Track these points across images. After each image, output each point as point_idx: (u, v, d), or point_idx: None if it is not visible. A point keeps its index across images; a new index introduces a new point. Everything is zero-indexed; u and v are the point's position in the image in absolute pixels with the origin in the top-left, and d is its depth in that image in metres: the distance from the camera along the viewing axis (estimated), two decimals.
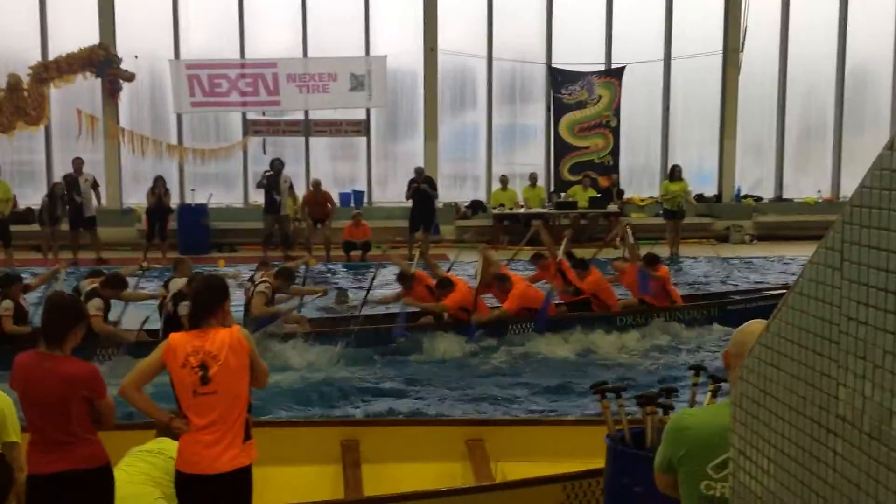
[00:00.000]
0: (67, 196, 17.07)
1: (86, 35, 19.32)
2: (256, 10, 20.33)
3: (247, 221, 19.43)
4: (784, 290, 9.90)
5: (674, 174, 18.48)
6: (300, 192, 18.70)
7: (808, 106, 21.93)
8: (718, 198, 21.28)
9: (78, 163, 17.51)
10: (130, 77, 19.63)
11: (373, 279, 11.91)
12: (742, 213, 20.82)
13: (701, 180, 20.52)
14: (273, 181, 17.75)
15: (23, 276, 10.74)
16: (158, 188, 17.72)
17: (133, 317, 10.22)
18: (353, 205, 19.67)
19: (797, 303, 1.97)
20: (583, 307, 11.40)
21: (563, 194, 20.18)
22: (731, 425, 2.29)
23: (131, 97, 20.16)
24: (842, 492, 1.80)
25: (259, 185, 18.24)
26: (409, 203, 18.35)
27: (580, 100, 20.73)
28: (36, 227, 17.73)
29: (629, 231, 12.61)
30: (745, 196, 21.46)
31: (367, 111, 20.53)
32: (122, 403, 4.79)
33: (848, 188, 21.08)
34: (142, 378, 4.58)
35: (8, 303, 9.56)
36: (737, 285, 14.68)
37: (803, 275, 1.95)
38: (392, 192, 20.58)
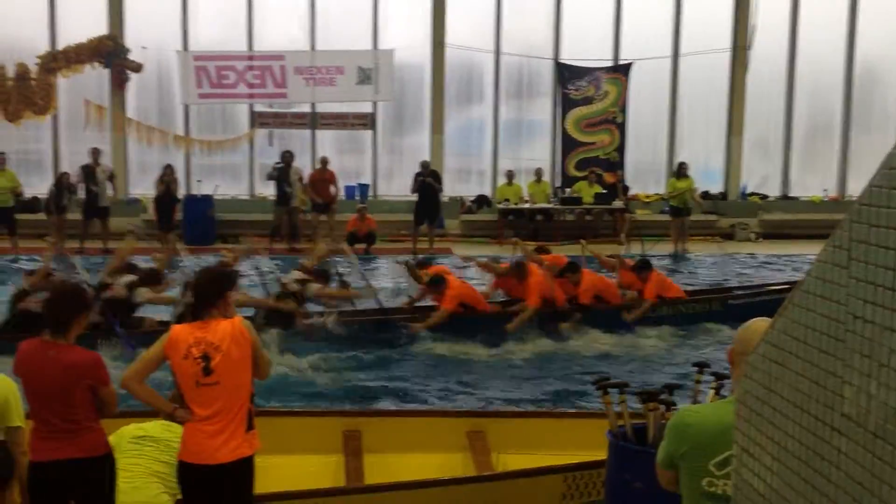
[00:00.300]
0: (84, 185, 17.13)
1: (94, 25, 19.36)
2: (265, 3, 20.33)
3: (252, 213, 19.47)
4: (787, 286, 9.90)
5: (680, 171, 18.45)
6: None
7: (815, 104, 21.87)
8: (724, 195, 21.25)
9: (95, 153, 17.61)
10: (138, 68, 19.65)
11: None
12: (748, 210, 20.79)
13: (707, 177, 20.48)
14: (283, 173, 17.81)
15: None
16: (167, 176, 17.77)
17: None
18: (358, 198, 19.69)
19: (803, 300, 1.97)
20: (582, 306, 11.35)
21: (568, 190, 20.18)
22: (735, 422, 2.29)
23: (139, 88, 20.18)
24: (846, 490, 1.79)
25: (269, 177, 18.28)
26: (415, 197, 18.37)
27: (587, 95, 20.71)
28: (42, 215, 17.79)
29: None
30: (751, 194, 21.43)
31: (374, 105, 20.53)
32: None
33: (854, 187, 21.06)
34: (144, 369, 4.58)
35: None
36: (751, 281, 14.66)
37: (810, 272, 1.95)
38: (397, 186, 20.58)
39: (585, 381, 8.71)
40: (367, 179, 20.74)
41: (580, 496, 5.58)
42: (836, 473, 1.83)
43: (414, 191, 18.31)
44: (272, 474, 5.61)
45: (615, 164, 20.80)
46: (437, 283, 10.74)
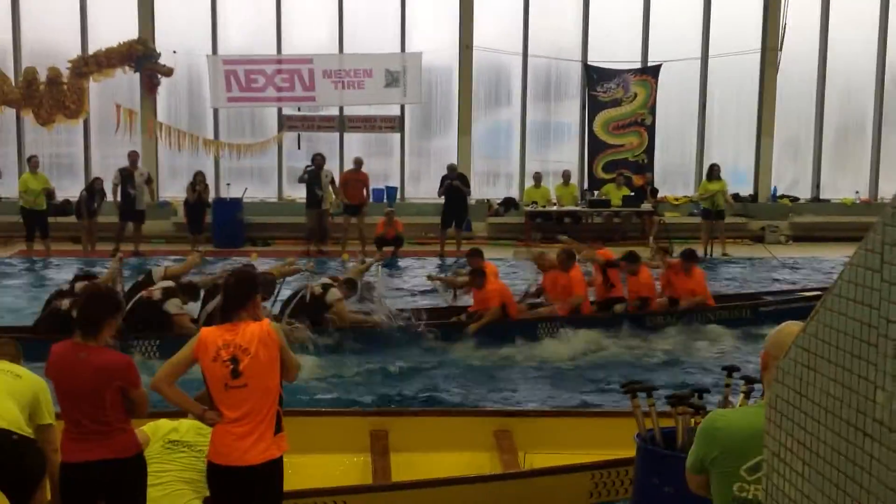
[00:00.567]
0: (122, 188, 17.32)
1: (125, 30, 19.51)
2: (293, 7, 20.42)
3: (281, 216, 19.57)
4: (818, 292, 9.83)
5: (712, 173, 18.28)
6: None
7: (846, 105, 21.66)
8: (754, 197, 21.08)
9: (133, 156, 17.81)
10: (169, 72, 19.80)
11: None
12: (778, 213, 20.61)
13: (737, 180, 20.32)
14: (314, 176, 17.88)
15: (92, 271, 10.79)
16: (199, 184, 17.93)
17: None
18: (385, 201, 19.73)
19: (835, 304, 1.95)
20: (615, 305, 11.35)
21: (596, 192, 20.10)
22: (765, 427, 2.27)
23: (169, 92, 20.34)
24: (878, 496, 1.77)
25: (300, 180, 18.35)
26: (442, 199, 18.38)
27: (615, 97, 20.62)
28: (73, 218, 17.99)
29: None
30: (782, 196, 21.25)
31: (402, 107, 20.57)
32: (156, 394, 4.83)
33: (886, 189, 20.82)
34: (174, 372, 4.62)
35: None
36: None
37: (842, 276, 1.93)
38: (425, 189, 20.61)
39: (613, 383, 8.70)
40: (394, 182, 20.78)
41: (607, 494, 5.57)
42: (868, 479, 1.81)
43: (441, 193, 18.32)
44: (300, 473, 5.64)
45: (644, 166, 20.70)
46: (478, 276, 10.75)
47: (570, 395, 8.82)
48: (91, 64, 19.42)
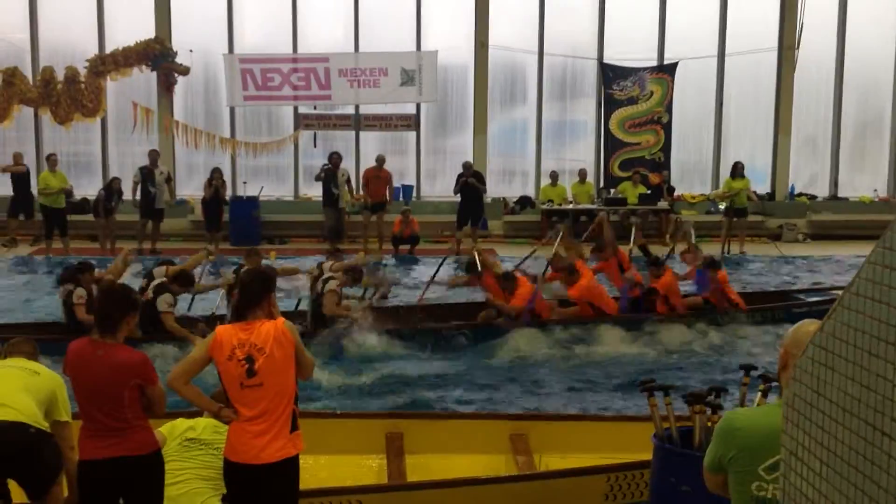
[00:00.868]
0: (142, 187, 17.41)
1: (142, 29, 19.60)
2: (309, 6, 20.47)
3: (297, 214, 19.64)
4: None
5: (736, 171, 18.23)
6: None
7: (864, 102, 21.53)
8: (772, 195, 20.98)
9: (154, 155, 17.90)
10: (185, 71, 19.88)
11: (440, 266, 12.00)
12: (796, 211, 20.51)
13: (754, 178, 20.20)
14: (331, 174, 17.94)
15: (93, 263, 10.80)
16: (216, 180, 18.01)
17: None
18: (402, 199, 19.76)
19: (853, 303, 1.94)
20: (640, 305, 11.29)
21: (612, 191, 20.06)
22: (783, 426, 2.26)
23: (186, 90, 20.42)
24: None
25: (317, 178, 18.40)
26: (458, 197, 18.38)
27: (631, 96, 20.57)
28: (90, 217, 18.09)
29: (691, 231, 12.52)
30: (799, 194, 21.14)
31: (417, 106, 20.59)
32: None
33: None
34: (189, 370, 4.63)
35: (81, 291, 9.72)
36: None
37: (860, 275, 1.92)
38: (441, 187, 20.62)
39: (630, 383, 8.66)
40: (410, 180, 20.80)
41: (622, 497, 5.54)
42: (886, 479, 1.80)
43: (457, 192, 18.33)
44: (316, 474, 5.67)
45: (660, 164, 20.64)
46: (510, 280, 10.74)
47: (587, 397, 8.79)
48: (108, 63, 19.52)
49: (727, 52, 20.86)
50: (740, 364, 5.34)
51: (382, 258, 11.92)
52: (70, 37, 20.17)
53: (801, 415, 2.16)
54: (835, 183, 21.56)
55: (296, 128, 20.48)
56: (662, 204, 19.45)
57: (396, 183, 20.17)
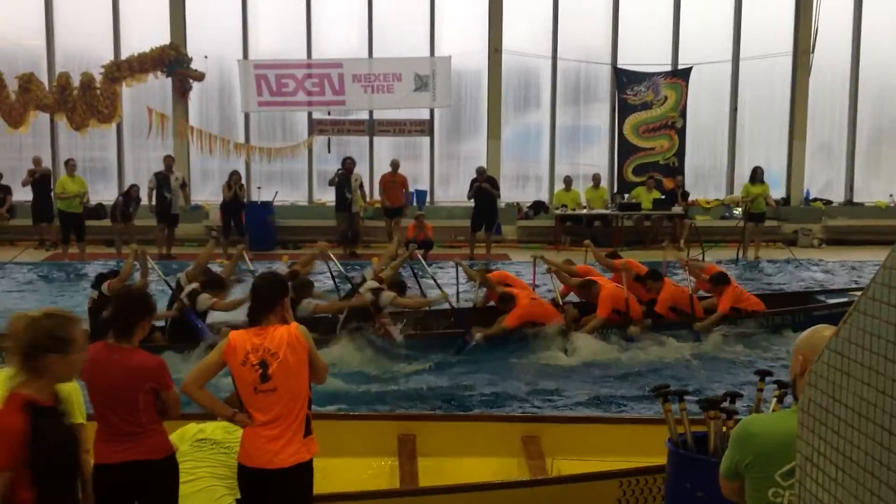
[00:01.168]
0: (157, 192, 17.50)
1: (157, 35, 19.72)
2: (323, 12, 20.53)
3: (311, 219, 19.69)
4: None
5: (755, 176, 18.18)
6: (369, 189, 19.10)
7: (879, 107, 21.43)
8: (787, 201, 20.91)
9: (169, 160, 17.96)
10: (200, 77, 19.97)
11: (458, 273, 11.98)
12: (811, 216, 20.43)
13: (769, 183, 20.18)
14: (344, 180, 18.00)
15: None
16: (234, 183, 18.07)
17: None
18: (415, 204, 19.78)
19: (869, 308, 1.93)
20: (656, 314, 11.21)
21: (626, 196, 20.02)
22: (798, 432, 2.25)
23: (201, 96, 20.52)
24: None
25: (331, 183, 18.47)
26: (472, 202, 18.39)
27: (645, 101, 20.55)
28: (107, 221, 18.19)
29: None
30: (815, 199, 21.06)
31: (431, 111, 20.61)
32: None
33: None
34: (203, 376, 4.64)
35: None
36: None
37: (875, 279, 1.91)
38: (454, 192, 20.63)
39: (645, 388, 8.64)
40: (424, 185, 20.82)
41: (636, 502, 5.52)
42: None
43: (470, 197, 18.34)
44: (328, 476, 5.66)
45: (674, 169, 20.59)
46: (507, 301, 10.73)
47: (601, 401, 8.77)
48: (124, 69, 19.63)
49: (741, 56, 20.81)
50: (755, 370, 5.32)
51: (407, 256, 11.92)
52: (86, 43, 20.29)
53: (816, 420, 2.15)
54: (850, 188, 21.46)
55: (310, 133, 20.54)
56: (677, 209, 19.40)
57: (410, 188, 20.21)
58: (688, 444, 4.66)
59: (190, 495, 4.90)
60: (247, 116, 20.69)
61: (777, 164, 21.18)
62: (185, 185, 18.31)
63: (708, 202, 20.88)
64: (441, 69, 19.94)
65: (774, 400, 4.60)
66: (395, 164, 18.83)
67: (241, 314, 8.96)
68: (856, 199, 21.32)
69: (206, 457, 5.15)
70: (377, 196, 19.70)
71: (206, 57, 19.94)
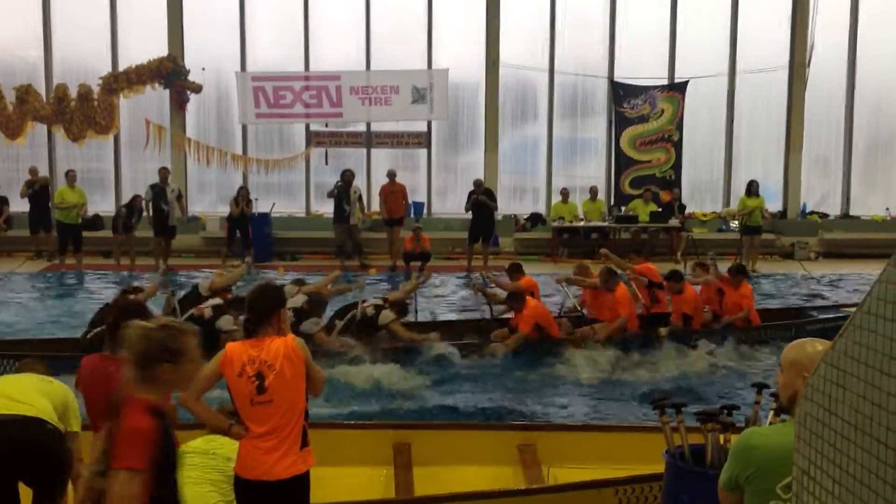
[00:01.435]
0: (154, 204, 17.48)
1: (155, 47, 19.74)
2: (321, 24, 20.57)
3: (309, 231, 19.70)
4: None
5: (751, 189, 18.26)
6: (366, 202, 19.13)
7: (876, 120, 21.47)
8: (783, 214, 20.94)
9: (164, 172, 17.94)
10: (198, 88, 20.00)
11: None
12: (807, 229, 20.45)
13: (765, 196, 20.24)
14: (343, 192, 18.03)
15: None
16: (242, 199, 18.10)
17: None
18: (413, 216, 19.79)
19: (865, 321, 1.93)
20: (658, 322, 11.25)
21: (623, 208, 20.05)
22: (795, 444, 2.26)
23: (198, 108, 20.53)
24: None
25: (330, 195, 18.48)
26: (469, 214, 18.41)
27: (642, 114, 20.60)
28: (103, 233, 18.18)
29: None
30: (811, 212, 21.09)
31: (429, 123, 20.64)
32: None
33: None
34: (200, 388, 4.62)
35: None
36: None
37: (871, 293, 1.92)
38: (451, 204, 20.65)
39: (642, 398, 8.63)
40: (421, 197, 20.84)
41: None
42: None
43: (468, 208, 18.36)
44: (323, 485, 5.64)
45: (671, 182, 20.63)
46: (516, 299, 10.73)
47: (597, 411, 8.77)
48: (121, 80, 19.66)
49: (738, 70, 20.86)
50: (752, 382, 5.32)
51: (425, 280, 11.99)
52: (83, 54, 20.31)
53: (813, 433, 2.15)
54: (847, 201, 21.50)
55: (307, 145, 20.55)
56: (673, 222, 19.43)
57: (408, 200, 20.24)
58: (685, 456, 4.66)
59: (186, 501, 4.89)
60: (244, 128, 20.71)
61: (773, 177, 21.22)
62: (180, 197, 18.31)
63: (704, 215, 20.91)
64: (438, 82, 19.99)
65: (771, 413, 4.61)
66: (391, 174, 18.84)
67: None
68: (852, 213, 21.35)
69: (195, 464, 5.14)
70: (375, 208, 19.72)
71: (203, 69, 19.97)
